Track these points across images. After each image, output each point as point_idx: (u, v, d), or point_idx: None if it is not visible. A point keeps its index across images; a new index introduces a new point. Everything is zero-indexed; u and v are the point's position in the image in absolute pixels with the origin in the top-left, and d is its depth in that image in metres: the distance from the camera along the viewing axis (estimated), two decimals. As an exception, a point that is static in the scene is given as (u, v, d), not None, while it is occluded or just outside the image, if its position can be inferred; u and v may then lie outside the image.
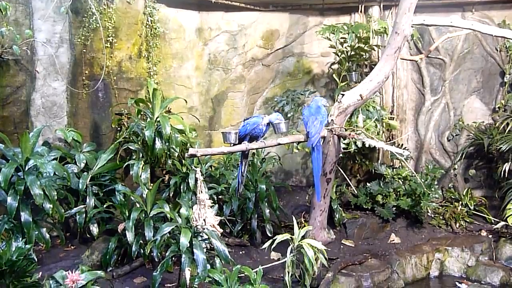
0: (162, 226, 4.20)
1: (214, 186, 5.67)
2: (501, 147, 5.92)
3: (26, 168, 4.39)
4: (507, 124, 6.29)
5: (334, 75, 6.46)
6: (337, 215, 5.83)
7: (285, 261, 4.31)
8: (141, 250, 4.60)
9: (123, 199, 5.03)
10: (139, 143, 5.38)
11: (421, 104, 7.01)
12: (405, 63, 6.85)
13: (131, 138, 5.49)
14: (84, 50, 5.63)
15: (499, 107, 6.74)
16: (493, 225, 5.83)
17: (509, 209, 5.41)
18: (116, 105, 5.92)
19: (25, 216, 4.22)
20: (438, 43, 5.11)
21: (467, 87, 6.90)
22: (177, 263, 4.36)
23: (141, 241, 4.62)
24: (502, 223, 5.52)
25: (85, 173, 5.14)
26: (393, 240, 5.74)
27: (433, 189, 5.93)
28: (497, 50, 6.75)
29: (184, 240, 3.95)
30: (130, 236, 4.55)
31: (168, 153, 5.56)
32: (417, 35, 6.35)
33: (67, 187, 4.91)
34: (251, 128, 4.43)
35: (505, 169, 6.01)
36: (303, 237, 4.44)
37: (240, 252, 5.36)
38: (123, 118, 5.84)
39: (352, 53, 6.17)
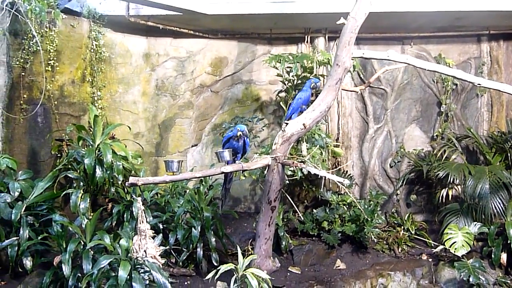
0: (100, 258, 4.03)
1: (159, 215, 5.54)
2: (439, 174, 6.16)
3: (-50, 199, 4.10)
4: (444, 151, 6.64)
5: (281, 103, 6.56)
6: (283, 242, 5.83)
7: (229, 291, 4.24)
8: (79, 284, 4.36)
9: (61, 230, 4.77)
10: (79, 171, 5.18)
11: (365, 131, 7.25)
12: (350, 93, 7.10)
13: (71, 165, 5.28)
14: (23, 73, 5.42)
15: (436, 135, 7.10)
16: (433, 249, 6.01)
17: (446, 233, 5.61)
18: (57, 130, 5.69)
19: None
20: (377, 75, 5.35)
21: (407, 116, 7.24)
22: (116, 297, 4.16)
23: (79, 274, 4.39)
24: (441, 246, 5.71)
25: (20, 202, 4.86)
26: (339, 266, 5.79)
27: (376, 214, 6.06)
28: (434, 82, 7.16)
29: (122, 273, 3.81)
30: (66, 269, 4.33)
31: (111, 180, 5.39)
32: (358, 66, 6.63)
33: (-1, 218, 4.63)
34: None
35: (443, 195, 6.30)
36: (248, 266, 4.39)
37: (186, 283, 5.21)
38: (63, 145, 5.61)
39: (298, 81, 6.31)
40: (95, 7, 6.03)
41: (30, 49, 5.40)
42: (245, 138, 4.91)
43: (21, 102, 5.43)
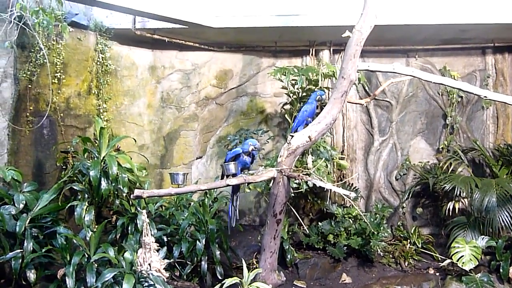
0: (104, 271, 4.00)
1: (163, 227, 5.51)
2: (445, 186, 6.10)
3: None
4: (450, 164, 6.59)
5: (286, 115, 6.56)
6: (289, 256, 5.78)
7: (234, 306, 4.20)
8: (83, 297, 4.33)
9: (65, 243, 4.74)
10: (85, 183, 5.17)
11: (370, 144, 7.23)
12: (355, 105, 7.10)
13: (76, 177, 5.27)
14: (30, 86, 5.44)
15: (442, 148, 7.06)
16: (440, 263, 5.95)
17: (454, 247, 5.55)
18: (62, 142, 5.70)
19: (-49, 263, 3.89)
20: (382, 88, 5.35)
21: (412, 128, 7.21)
22: (120, 312, 4.11)
23: (83, 288, 4.35)
24: (448, 260, 5.65)
25: (24, 214, 4.84)
26: (345, 280, 5.72)
27: (382, 228, 6.01)
28: (439, 94, 7.15)
29: (126, 287, 3.78)
30: (70, 282, 4.28)
31: (116, 193, 5.38)
32: (364, 79, 6.63)
33: (3, 230, 4.60)
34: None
35: (449, 208, 6.23)
36: (253, 280, 4.36)
37: (190, 296, 5.17)
38: (69, 157, 5.62)
39: (303, 94, 6.31)
40: (102, 20, 6.08)
41: (37, 61, 5.43)
42: (255, 152, 4.88)
43: (27, 114, 5.45)
